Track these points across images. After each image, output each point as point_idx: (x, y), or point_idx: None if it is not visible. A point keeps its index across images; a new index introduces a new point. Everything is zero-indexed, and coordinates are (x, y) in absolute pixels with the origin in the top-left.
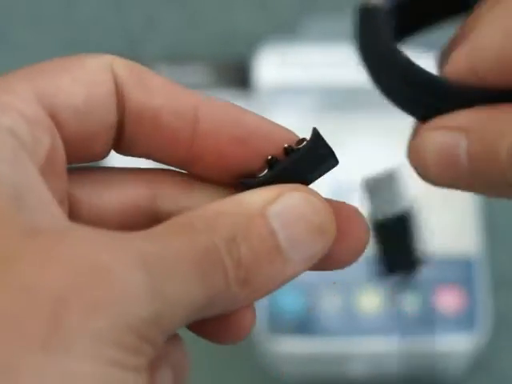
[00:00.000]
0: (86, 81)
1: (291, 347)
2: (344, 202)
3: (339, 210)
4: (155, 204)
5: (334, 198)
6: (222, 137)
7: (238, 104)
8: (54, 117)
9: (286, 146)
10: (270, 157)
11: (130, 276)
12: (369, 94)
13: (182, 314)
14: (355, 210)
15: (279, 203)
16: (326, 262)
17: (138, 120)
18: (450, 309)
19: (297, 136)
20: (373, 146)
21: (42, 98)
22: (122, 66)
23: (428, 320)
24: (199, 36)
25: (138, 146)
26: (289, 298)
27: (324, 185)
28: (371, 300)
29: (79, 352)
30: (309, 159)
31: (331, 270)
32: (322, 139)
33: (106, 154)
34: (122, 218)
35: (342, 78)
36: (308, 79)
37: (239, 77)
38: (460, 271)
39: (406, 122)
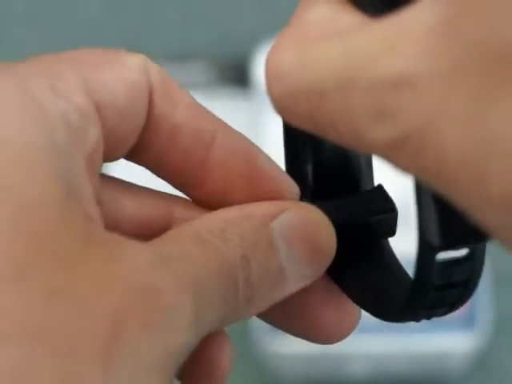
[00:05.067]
0: (127, 79)
1: (291, 347)
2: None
3: None
4: (170, 220)
5: None
6: (231, 169)
7: (238, 103)
8: (98, 112)
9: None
10: None
11: (180, 300)
12: None
13: (206, 335)
14: None
15: (282, 218)
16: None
17: (156, 130)
18: None
19: (298, 193)
20: None
21: (89, 90)
22: (156, 72)
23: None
24: (199, 34)
25: (149, 155)
26: None
27: None
28: None
29: (134, 376)
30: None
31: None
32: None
33: (121, 156)
34: (135, 226)
35: None
36: None
37: (239, 75)
38: None
39: None
